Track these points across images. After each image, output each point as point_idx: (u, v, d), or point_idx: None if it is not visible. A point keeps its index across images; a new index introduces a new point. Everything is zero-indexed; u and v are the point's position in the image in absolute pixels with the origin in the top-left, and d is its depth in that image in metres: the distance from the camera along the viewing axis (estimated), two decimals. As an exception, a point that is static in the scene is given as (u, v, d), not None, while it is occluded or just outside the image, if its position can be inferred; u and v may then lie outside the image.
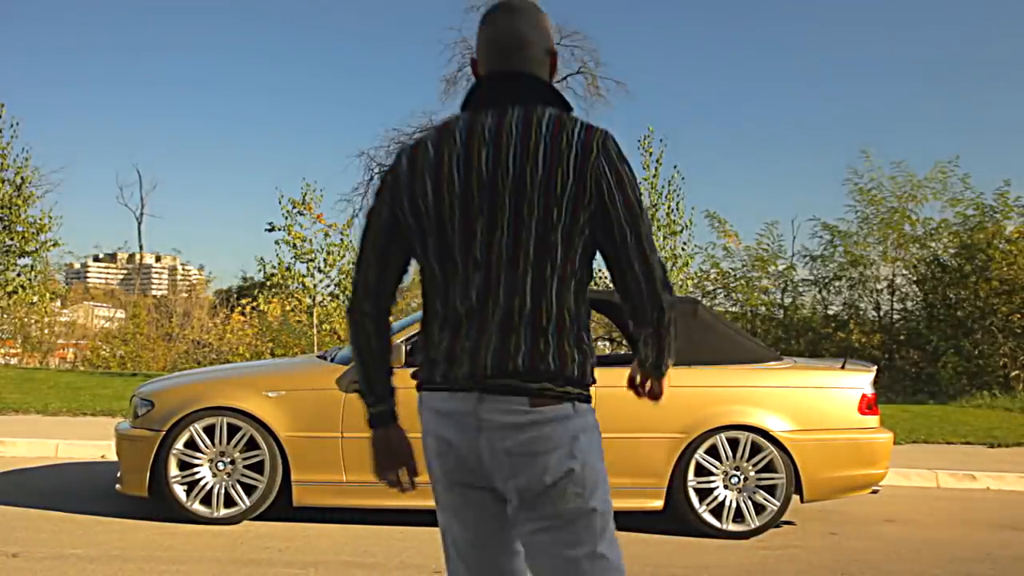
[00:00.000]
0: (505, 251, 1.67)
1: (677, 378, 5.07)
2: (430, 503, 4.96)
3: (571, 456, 1.66)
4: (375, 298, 1.80)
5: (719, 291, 18.44)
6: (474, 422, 1.67)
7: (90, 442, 7.25)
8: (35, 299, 15.76)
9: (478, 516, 1.75)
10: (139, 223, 33.01)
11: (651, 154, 15.45)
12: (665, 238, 15.09)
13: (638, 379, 1.84)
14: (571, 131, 1.68)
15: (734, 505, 4.95)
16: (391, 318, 1.87)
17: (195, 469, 4.93)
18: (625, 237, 1.68)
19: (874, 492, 5.29)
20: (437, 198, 1.70)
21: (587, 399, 1.71)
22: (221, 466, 4.94)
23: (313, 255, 14.23)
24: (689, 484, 4.93)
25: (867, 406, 5.15)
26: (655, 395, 1.83)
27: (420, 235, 1.74)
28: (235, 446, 4.94)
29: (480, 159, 1.69)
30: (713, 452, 4.97)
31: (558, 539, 1.68)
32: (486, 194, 1.67)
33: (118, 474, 5.10)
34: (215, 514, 4.91)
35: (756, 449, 4.98)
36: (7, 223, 15.08)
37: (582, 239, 1.68)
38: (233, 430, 4.94)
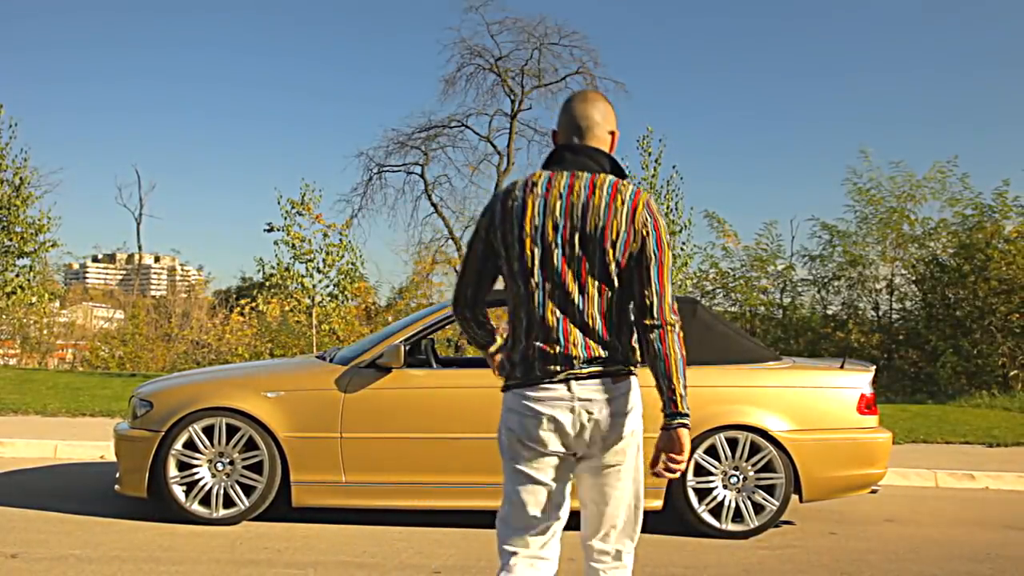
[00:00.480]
0: (576, 277, 2.30)
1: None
2: (428, 504, 4.98)
3: (635, 420, 2.39)
4: (471, 307, 2.49)
5: (718, 291, 18.44)
6: (569, 403, 2.28)
7: (89, 443, 7.25)
8: (34, 300, 15.70)
9: (558, 474, 2.35)
10: (138, 223, 32.99)
11: (650, 154, 15.41)
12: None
13: (659, 460, 2.36)
14: (624, 193, 2.32)
15: (733, 505, 4.95)
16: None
17: (194, 470, 4.93)
18: (651, 261, 2.31)
19: (873, 492, 5.28)
20: (522, 234, 2.32)
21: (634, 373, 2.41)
22: (220, 467, 4.94)
23: (312, 255, 14.18)
24: (688, 484, 4.93)
25: (866, 406, 5.15)
26: (673, 463, 2.36)
27: (507, 261, 2.36)
28: (234, 447, 4.94)
29: (556, 209, 2.31)
30: (712, 452, 4.97)
31: (617, 474, 2.39)
32: (559, 235, 2.30)
33: (117, 475, 5.09)
34: (214, 515, 4.91)
35: (755, 449, 4.98)
36: (6, 224, 15.03)
37: (631, 266, 2.32)
38: (232, 431, 4.94)
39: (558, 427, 2.29)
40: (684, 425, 2.33)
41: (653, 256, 2.31)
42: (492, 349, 2.55)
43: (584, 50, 25.35)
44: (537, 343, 2.30)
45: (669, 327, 2.32)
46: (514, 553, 2.35)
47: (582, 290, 2.30)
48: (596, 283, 2.31)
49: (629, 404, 2.36)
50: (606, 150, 2.44)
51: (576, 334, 2.29)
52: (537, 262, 2.31)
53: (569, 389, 2.28)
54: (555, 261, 2.30)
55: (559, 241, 2.30)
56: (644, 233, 2.31)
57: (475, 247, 2.45)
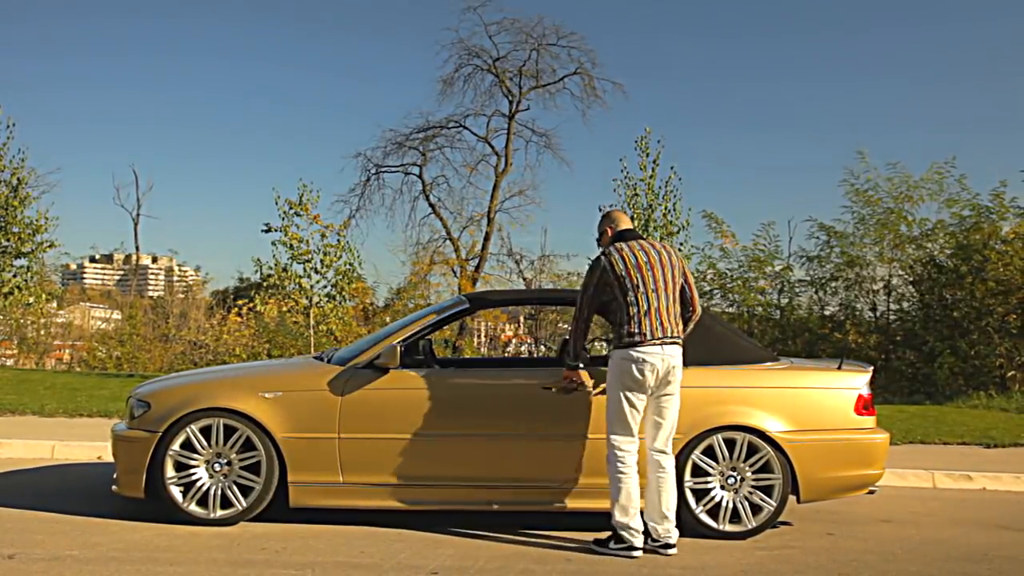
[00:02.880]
0: (661, 291, 4.60)
1: (674, 379, 5.08)
2: (425, 504, 4.98)
3: (681, 371, 4.66)
4: (587, 321, 4.73)
5: (716, 292, 18.43)
6: (662, 354, 4.53)
7: (86, 443, 7.25)
8: (31, 300, 15.64)
9: (639, 397, 4.58)
10: (135, 224, 33.02)
11: (648, 155, 15.37)
12: (662, 238, 15.02)
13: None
14: (667, 247, 4.72)
15: (731, 506, 4.95)
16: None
17: (191, 470, 4.92)
18: (689, 280, 4.79)
19: (871, 493, 5.28)
20: (624, 273, 4.59)
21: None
22: (218, 467, 4.93)
23: (310, 256, 14.16)
24: (686, 485, 4.93)
25: (863, 406, 5.15)
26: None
27: (615, 289, 4.60)
28: (232, 447, 4.93)
29: (635, 258, 4.62)
30: (710, 453, 4.97)
31: (672, 400, 4.66)
32: (642, 271, 4.59)
33: (114, 475, 5.09)
34: (212, 515, 4.91)
35: (753, 450, 4.98)
36: (3, 224, 14.96)
37: (680, 285, 4.72)
38: (230, 431, 4.94)
39: (653, 367, 4.51)
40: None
41: (689, 279, 4.77)
42: (585, 349, 4.78)
43: (582, 51, 25.38)
44: (639, 327, 4.52)
45: (698, 313, 4.83)
46: (626, 451, 4.55)
47: (659, 298, 4.56)
48: (667, 294, 4.60)
49: (680, 361, 4.61)
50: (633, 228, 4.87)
51: (656, 322, 4.53)
52: (640, 287, 4.56)
53: (661, 348, 4.52)
54: (646, 284, 4.57)
55: (648, 275, 4.58)
56: (683, 266, 4.74)
57: (589, 289, 4.65)
